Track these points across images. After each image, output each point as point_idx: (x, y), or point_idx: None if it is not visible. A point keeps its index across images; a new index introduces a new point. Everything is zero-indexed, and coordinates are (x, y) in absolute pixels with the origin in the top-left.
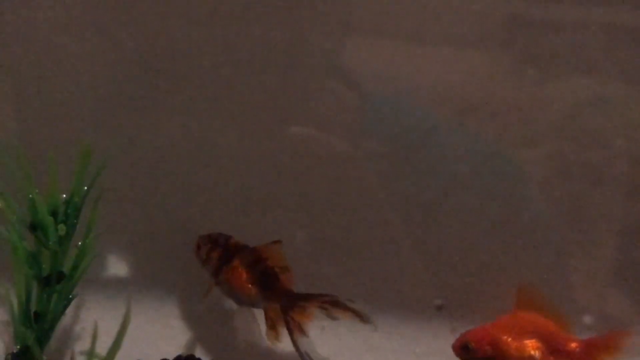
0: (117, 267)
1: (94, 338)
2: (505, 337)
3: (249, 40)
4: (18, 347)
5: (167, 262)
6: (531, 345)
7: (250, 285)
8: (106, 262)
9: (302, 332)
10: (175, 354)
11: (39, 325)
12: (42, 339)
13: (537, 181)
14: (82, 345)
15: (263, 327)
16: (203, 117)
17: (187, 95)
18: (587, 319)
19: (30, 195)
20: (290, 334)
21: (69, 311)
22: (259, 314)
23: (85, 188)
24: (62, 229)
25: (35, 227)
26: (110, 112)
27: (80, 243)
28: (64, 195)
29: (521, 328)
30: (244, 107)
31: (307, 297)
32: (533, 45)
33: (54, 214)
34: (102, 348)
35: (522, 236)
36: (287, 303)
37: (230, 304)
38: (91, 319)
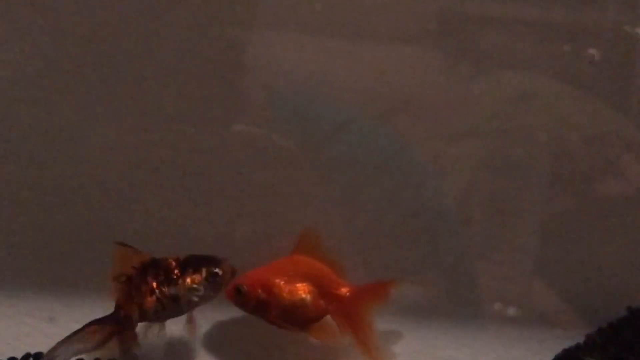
0: None
1: None
2: (278, 280)
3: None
4: None
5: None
6: (303, 289)
7: None
8: None
9: None
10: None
11: None
12: None
13: (466, 176)
14: None
15: None
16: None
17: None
18: (512, 311)
19: None
20: None
21: None
22: None
23: None
24: None
25: None
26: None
27: None
28: None
29: (295, 272)
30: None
31: None
32: (463, 41)
33: None
34: None
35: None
36: None
37: None
38: None
